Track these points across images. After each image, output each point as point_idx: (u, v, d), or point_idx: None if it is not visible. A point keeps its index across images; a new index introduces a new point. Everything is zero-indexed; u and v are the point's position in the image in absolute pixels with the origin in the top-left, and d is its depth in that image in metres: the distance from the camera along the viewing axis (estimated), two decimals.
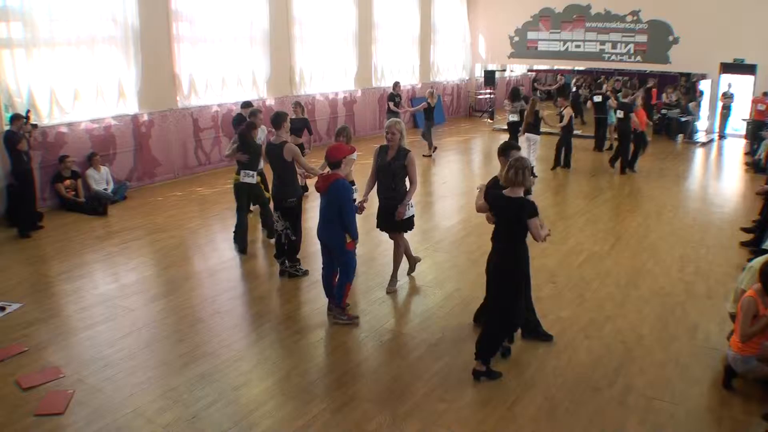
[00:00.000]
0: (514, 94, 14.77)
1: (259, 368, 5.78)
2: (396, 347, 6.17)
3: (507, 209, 5.37)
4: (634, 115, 13.77)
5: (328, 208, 6.28)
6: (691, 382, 5.56)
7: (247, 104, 10.97)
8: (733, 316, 5.84)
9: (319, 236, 6.52)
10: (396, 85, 16.42)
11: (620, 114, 14.04)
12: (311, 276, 7.91)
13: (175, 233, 9.65)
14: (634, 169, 14.15)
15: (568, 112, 13.99)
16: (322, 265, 6.76)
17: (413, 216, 7.21)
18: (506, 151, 5.94)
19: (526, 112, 13.60)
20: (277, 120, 7.59)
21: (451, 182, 13.48)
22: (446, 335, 6.34)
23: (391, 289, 7.45)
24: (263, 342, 6.27)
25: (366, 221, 8.61)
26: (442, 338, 6.27)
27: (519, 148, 6.19)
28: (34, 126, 10.11)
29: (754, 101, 16.96)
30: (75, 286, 7.65)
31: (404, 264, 7.72)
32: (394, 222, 7.10)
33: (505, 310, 5.49)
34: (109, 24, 11.55)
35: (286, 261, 7.88)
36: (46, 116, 10.76)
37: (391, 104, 15.74)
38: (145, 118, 12.41)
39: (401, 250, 7.44)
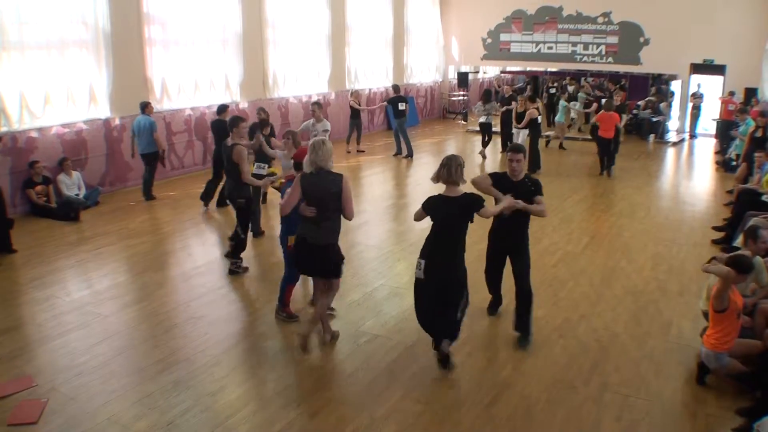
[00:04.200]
0: (486, 96, 15.64)
1: (235, 373, 5.74)
2: (372, 350, 6.17)
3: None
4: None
5: None
6: (666, 379, 5.64)
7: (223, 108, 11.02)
8: (705, 314, 5.91)
9: None
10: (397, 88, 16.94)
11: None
12: None
13: (149, 238, 9.55)
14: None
15: (531, 113, 13.93)
16: None
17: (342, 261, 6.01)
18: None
19: (514, 112, 14.42)
20: (233, 123, 7.81)
21: (426, 184, 13.44)
22: (422, 337, 6.30)
23: (325, 339, 6.30)
24: (239, 347, 6.24)
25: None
26: (418, 340, 6.26)
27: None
28: None
29: (723, 101, 17.22)
30: (47, 293, 7.53)
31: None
32: (319, 266, 5.90)
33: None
34: (79, 27, 11.39)
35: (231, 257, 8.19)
36: (16, 121, 10.56)
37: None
38: (117, 122, 12.25)
39: (328, 300, 6.25)
